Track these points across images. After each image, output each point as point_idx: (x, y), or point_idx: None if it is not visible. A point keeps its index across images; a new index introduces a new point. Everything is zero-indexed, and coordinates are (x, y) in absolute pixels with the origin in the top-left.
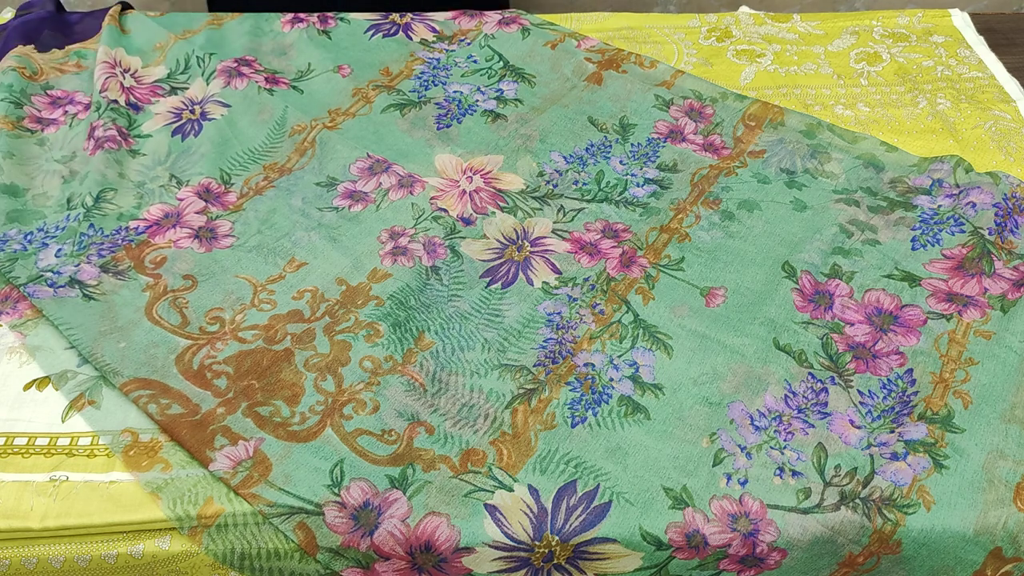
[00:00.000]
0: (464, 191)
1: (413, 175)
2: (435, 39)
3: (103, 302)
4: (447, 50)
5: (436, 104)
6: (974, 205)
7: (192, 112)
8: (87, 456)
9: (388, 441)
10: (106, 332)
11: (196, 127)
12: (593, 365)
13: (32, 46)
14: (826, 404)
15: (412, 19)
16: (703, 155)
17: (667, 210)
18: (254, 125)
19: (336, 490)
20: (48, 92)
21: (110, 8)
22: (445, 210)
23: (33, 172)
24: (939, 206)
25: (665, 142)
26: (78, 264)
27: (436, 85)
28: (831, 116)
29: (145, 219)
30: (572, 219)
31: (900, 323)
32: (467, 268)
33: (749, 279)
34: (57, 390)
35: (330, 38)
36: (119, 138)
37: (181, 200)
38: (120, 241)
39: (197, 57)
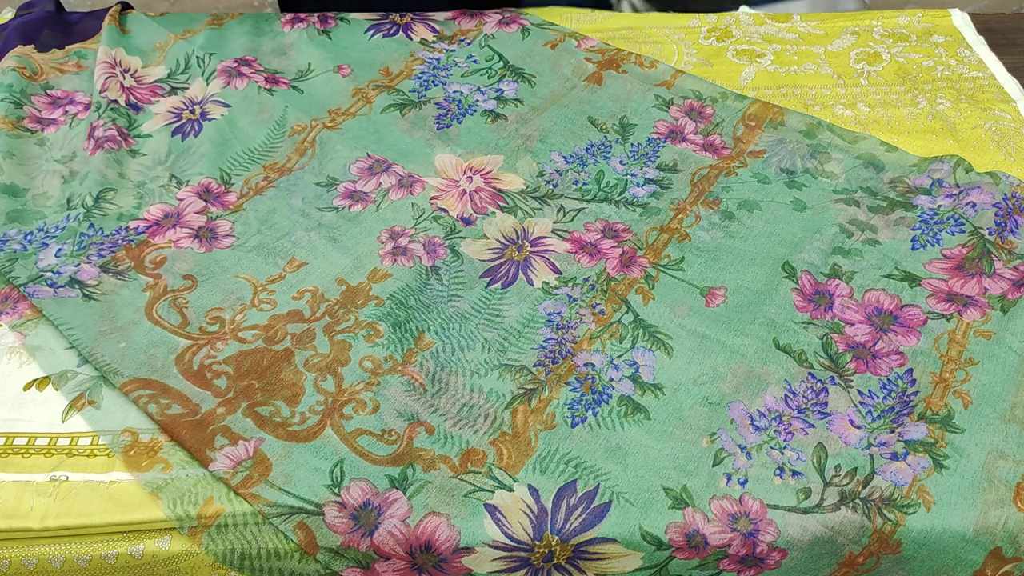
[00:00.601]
0: (464, 191)
1: (413, 175)
2: (435, 39)
3: (103, 302)
4: (447, 50)
5: (436, 104)
6: (974, 205)
7: (192, 112)
8: (87, 456)
9: (388, 441)
10: (106, 332)
11: (196, 127)
12: (593, 365)
13: (32, 46)
14: (826, 404)
15: (412, 19)
16: (703, 155)
17: (667, 210)
18: (254, 125)
19: (336, 490)
20: (48, 92)
21: (110, 8)
22: (445, 210)
23: (33, 172)
24: (939, 206)
25: (665, 142)
26: (78, 264)
27: (436, 85)
28: (831, 116)
29: (145, 219)
30: (572, 219)
31: (900, 323)
32: (467, 268)
33: (749, 279)
34: (57, 390)
35: (330, 38)
36: (119, 138)
37: (181, 200)
38: (120, 241)
39: (197, 57)
